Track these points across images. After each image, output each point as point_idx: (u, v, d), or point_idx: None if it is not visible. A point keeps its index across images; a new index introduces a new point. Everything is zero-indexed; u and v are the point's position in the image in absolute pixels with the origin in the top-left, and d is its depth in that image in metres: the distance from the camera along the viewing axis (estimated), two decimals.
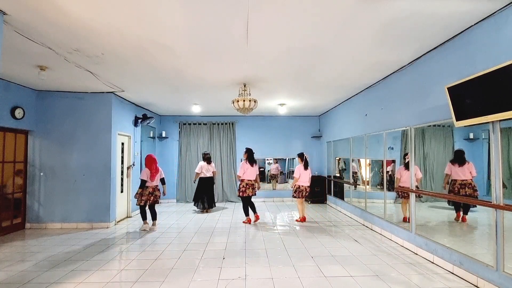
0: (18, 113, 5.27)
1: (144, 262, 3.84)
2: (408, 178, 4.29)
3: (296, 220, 6.25)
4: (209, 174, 7.32)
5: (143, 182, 5.39)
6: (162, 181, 5.77)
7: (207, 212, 7.36)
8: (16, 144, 5.52)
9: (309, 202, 8.66)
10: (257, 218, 6.10)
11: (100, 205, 5.81)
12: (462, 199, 3.47)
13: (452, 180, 3.60)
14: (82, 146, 5.85)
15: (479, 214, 3.53)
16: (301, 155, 6.32)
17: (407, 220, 4.47)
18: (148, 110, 8.01)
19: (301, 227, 5.72)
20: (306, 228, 5.64)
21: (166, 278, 3.32)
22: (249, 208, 6.11)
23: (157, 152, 8.84)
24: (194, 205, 7.48)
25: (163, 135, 8.96)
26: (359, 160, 6.46)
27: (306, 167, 6.17)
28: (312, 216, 6.78)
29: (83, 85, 5.35)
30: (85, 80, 4.99)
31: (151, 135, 8.49)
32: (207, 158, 7.34)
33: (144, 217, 5.62)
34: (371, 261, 3.82)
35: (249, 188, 5.99)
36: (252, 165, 6.10)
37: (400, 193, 4.72)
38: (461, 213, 3.70)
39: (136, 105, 7.24)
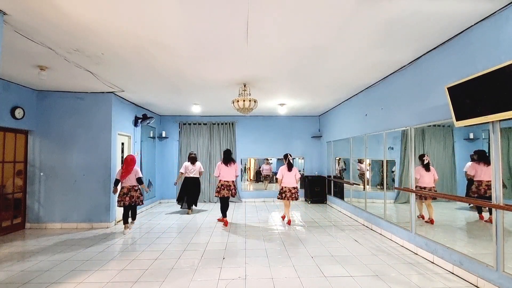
0: (18, 113, 5.27)
1: (144, 262, 3.84)
2: (429, 179, 4.11)
3: (282, 217, 6.40)
4: (193, 175, 7.10)
5: (115, 181, 5.37)
6: (139, 180, 5.46)
7: (190, 212, 7.18)
8: (16, 144, 5.52)
9: (309, 202, 8.66)
10: (221, 220, 6.10)
11: (100, 205, 5.81)
12: (462, 199, 3.46)
13: (476, 181, 3.34)
14: (82, 146, 5.85)
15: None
16: (284, 156, 6.18)
17: (423, 217, 4.27)
18: (148, 110, 8.01)
19: (301, 227, 5.72)
20: (306, 228, 5.64)
21: (166, 278, 3.32)
22: (225, 209, 6.02)
23: (157, 152, 8.84)
24: (178, 204, 7.39)
25: (163, 135, 8.96)
26: (360, 160, 6.46)
27: (290, 168, 6.03)
28: (312, 216, 6.78)
29: (83, 85, 5.35)
30: (85, 80, 4.99)
31: (151, 135, 8.49)
32: (191, 158, 7.14)
33: (124, 221, 5.40)
34: (371, 261, 3.82)
35: (224, 189, 5.88)
36: (227, 165, 5.96)
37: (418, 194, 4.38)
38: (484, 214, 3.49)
39: (136, 105, 7.24)
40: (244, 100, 5.10)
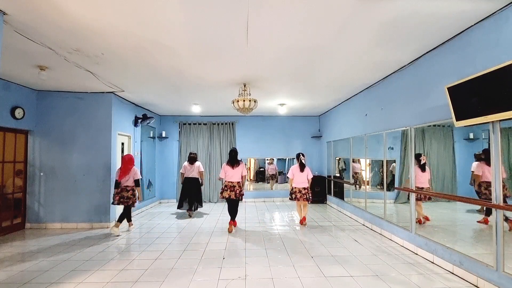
0: (18, 113, 5.27)
1: (144, 262, 3.84)
2: (425, 179, 4.09)
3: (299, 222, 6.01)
4: (191, 175, 6.78)
5: (115, 183, 5.28)
6: (136, 182, 5.32)
7: (190, 216, 6.80)
8: (16, 144, 5.52)
9: (309, 202, 8.62)
10: (231, 224, 5.52)
11: (100, 205, 5.81)
12: (462, 199, 3.46)
13: (484, 182, 3.20)
14: (82, 146, 5.85)
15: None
16: (297, 156, 5.99)
17: (421, 222, 4.22)
18: (148, 110, 8.01)
19: (301, 227, 5.72)
20: (306, 228, 5.63)
21: (166, 278, 3.32)
22: (231, 212, 5.62)
23: (157, 152, 8.84)
24: (177, 209, 6.93)
25: (163, 135, 8.96)
26: (359, 160, 6.46)
27: (302, 168, 5.83)
28: (312, 216, 6.78)
29: (83, 85, 5.35)
30: (85, 80, 4.99)
31: (151, 135, 8.49)
32: (189, 158, 6.84)
33: (119, 219, 5.29)
34: (371, 261, 3.82)
35: (227, 190, 5.50)
36: (232, 167, 5.56)
37: (416, 195, 4.28)
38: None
39: (136, 105, 7.24)
40: (244, 100, 5.10)
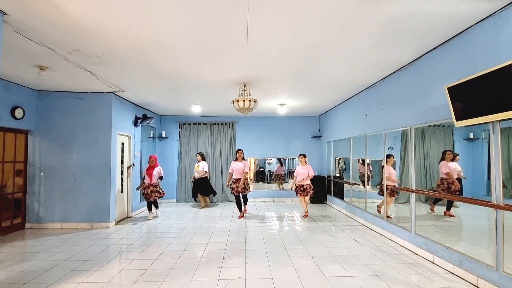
0: (18, 113, 5.27)
1: (144, 262, 3.84)
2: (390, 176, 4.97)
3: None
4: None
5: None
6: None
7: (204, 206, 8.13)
8: (16, 144, 5.52)
9: (309, 202, 8.63)
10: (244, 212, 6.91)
11: (100, 205, 5.81)
12: (462, 199, 3.47)
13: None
14: (82, 146, 5.85)
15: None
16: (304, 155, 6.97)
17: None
18: (148, 110, 8.01)
19: (301, 227, 5.72)
20: (306, 228, 5.64)
21: (166, 278, 3.32)
22: (240, 204, 6.79)
23: (157, 152, 8.83)
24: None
25: (163, 135, 8.96)
26: (358, 160, 6.46)
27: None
28: (313, 216, 6.78)
29: (83, 85, 5.35)
30: (85, 80, 4.99)
31: (151, 135, 8.49)
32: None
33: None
34: (371, 261, 3.82)
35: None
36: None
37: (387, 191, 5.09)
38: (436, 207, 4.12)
39: (136, 105, 7.24)
40: (244, 100, 5.10)
